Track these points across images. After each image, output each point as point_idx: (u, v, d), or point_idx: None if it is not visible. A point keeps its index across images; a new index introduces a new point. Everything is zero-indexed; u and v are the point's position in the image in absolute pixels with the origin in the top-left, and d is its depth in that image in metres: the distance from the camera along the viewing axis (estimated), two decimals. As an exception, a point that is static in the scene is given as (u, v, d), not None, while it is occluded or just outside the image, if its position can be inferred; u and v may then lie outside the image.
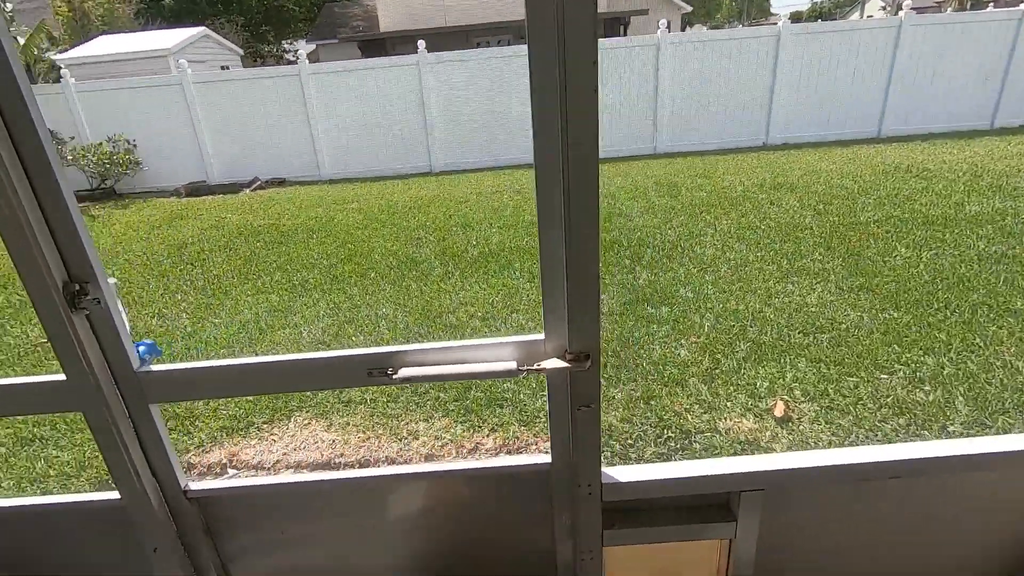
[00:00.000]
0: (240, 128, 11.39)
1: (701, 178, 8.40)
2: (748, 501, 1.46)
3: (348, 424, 3.05)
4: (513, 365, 1.26)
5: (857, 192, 6.87)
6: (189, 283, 5.47)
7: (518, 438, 2.87)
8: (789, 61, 10.82)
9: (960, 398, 2.87)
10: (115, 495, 1.41)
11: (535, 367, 1.26)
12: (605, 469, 1.47)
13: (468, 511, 1.54)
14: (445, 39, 16.75)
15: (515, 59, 10.80)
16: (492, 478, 1.50)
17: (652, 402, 3.01)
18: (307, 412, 3.17)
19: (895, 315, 3.73)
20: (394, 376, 1.27)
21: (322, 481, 1.50)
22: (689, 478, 1.44)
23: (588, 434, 1.37)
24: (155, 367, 1.30)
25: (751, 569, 1.57)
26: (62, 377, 1.24)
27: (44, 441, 3.10)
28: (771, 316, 3.85)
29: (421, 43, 10.77)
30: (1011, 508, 1.52)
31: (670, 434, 2.78)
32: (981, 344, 3.30)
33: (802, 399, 2.97)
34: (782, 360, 3.30)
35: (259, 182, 11.21)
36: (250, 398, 3.32)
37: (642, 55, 10.83)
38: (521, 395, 3.18)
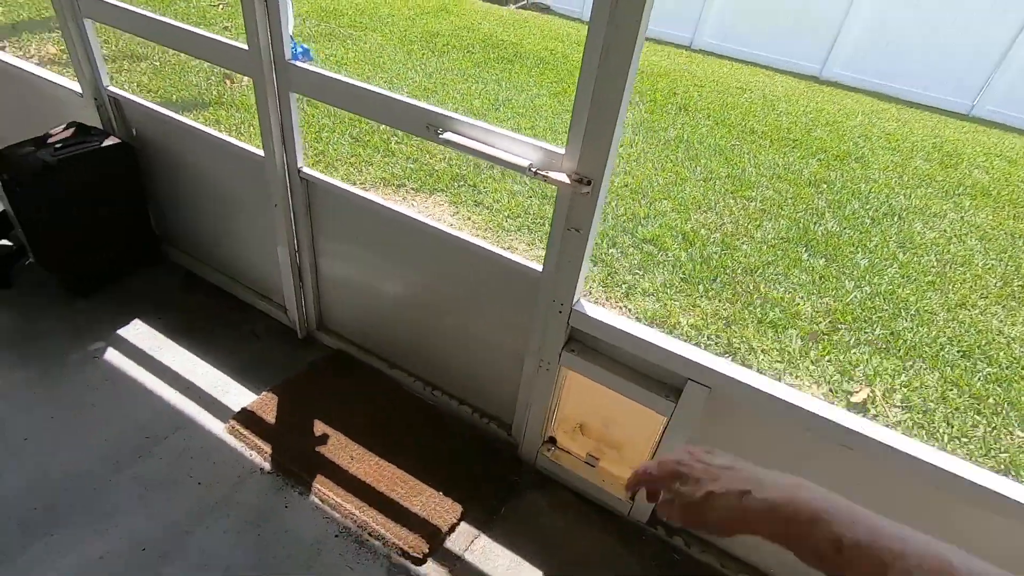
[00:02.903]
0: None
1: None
2: (692, 391, 1.53)
3: (469, 218, 3.50)
4: (527, 164, 1.44)
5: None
6: (422, 68, 6.16)
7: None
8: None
9: None
10: (261, 152, 1.96)
11: (542, 172, 1.42)
12: (580, 298, 1.64)
13: (472, 277, 1.85)
14: None
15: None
16: (496, 262, 1.75)
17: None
18: (446, 196, 3.69)
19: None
20: (440, 135, 1.54)
21: (394, 209, 1.89)
22: (646, 341, 1.54)
23: (572, 256, 1.53)
24: (300, 64, 1.72)
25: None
26: (245, 46, 1.72)
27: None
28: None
29: None
30: None
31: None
32: None
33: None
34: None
35: (524, 1, 11.41)
36: (411, 165, 3.93)
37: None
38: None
